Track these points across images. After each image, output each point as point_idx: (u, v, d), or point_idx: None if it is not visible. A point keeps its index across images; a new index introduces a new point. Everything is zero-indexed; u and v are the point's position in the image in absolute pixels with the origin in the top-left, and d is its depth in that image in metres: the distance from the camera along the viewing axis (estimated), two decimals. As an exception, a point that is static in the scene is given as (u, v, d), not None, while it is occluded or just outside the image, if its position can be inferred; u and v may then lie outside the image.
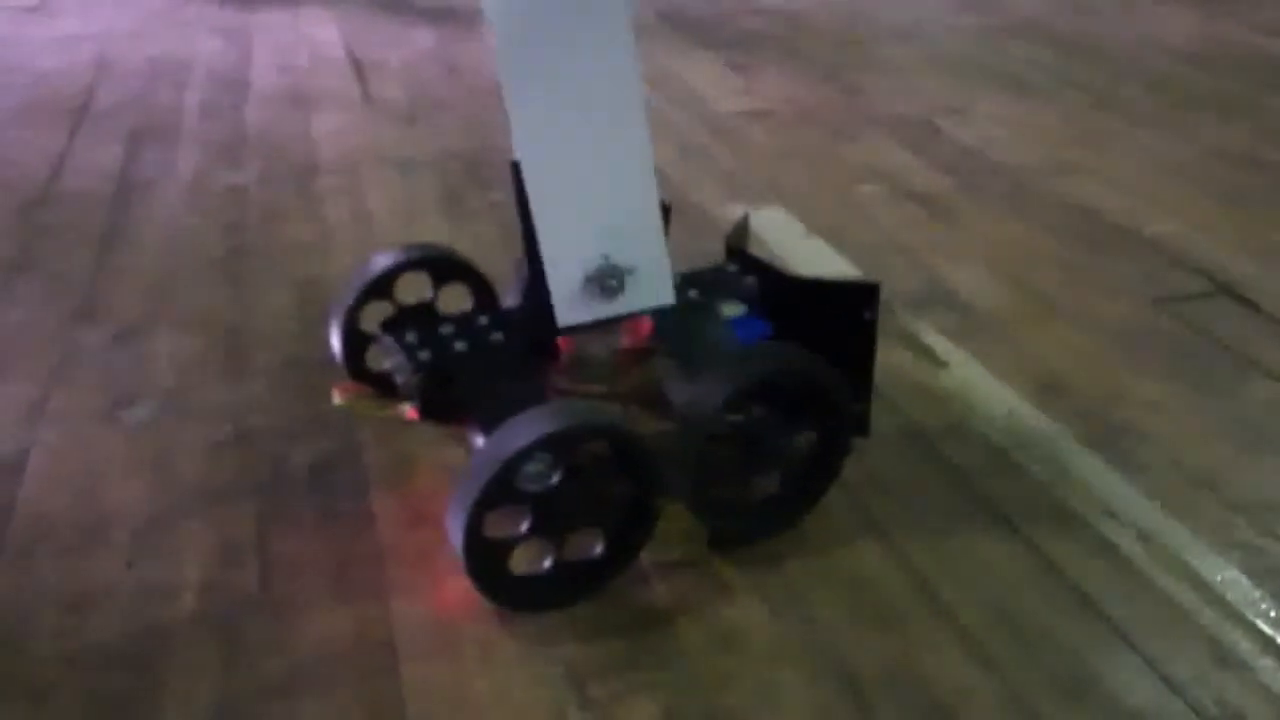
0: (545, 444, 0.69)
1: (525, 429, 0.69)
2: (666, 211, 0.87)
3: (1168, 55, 1.95)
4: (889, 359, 1.02)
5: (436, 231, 1.29)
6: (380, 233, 1.30)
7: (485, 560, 0.71)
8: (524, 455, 0.68)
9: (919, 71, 1.89)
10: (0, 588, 0.77)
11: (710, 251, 0.97)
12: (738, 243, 0.94)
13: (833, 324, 0.84)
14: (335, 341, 0.91)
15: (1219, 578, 0.77)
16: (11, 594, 0.77)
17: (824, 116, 1.68)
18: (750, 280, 0.90)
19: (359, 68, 1.93)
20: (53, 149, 1.57)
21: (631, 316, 0.80)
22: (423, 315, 0.92)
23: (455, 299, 0.93)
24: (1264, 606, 0.75)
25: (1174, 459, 0.89)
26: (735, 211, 1.32)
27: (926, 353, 1.04)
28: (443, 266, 0.93)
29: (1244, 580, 0.77)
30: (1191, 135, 1.58)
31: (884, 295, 0.84)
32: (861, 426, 0.88)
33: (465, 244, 0.85)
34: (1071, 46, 2.02)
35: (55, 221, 1.34)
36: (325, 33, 2.16)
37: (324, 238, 1.29)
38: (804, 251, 1.25)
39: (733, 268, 0.92)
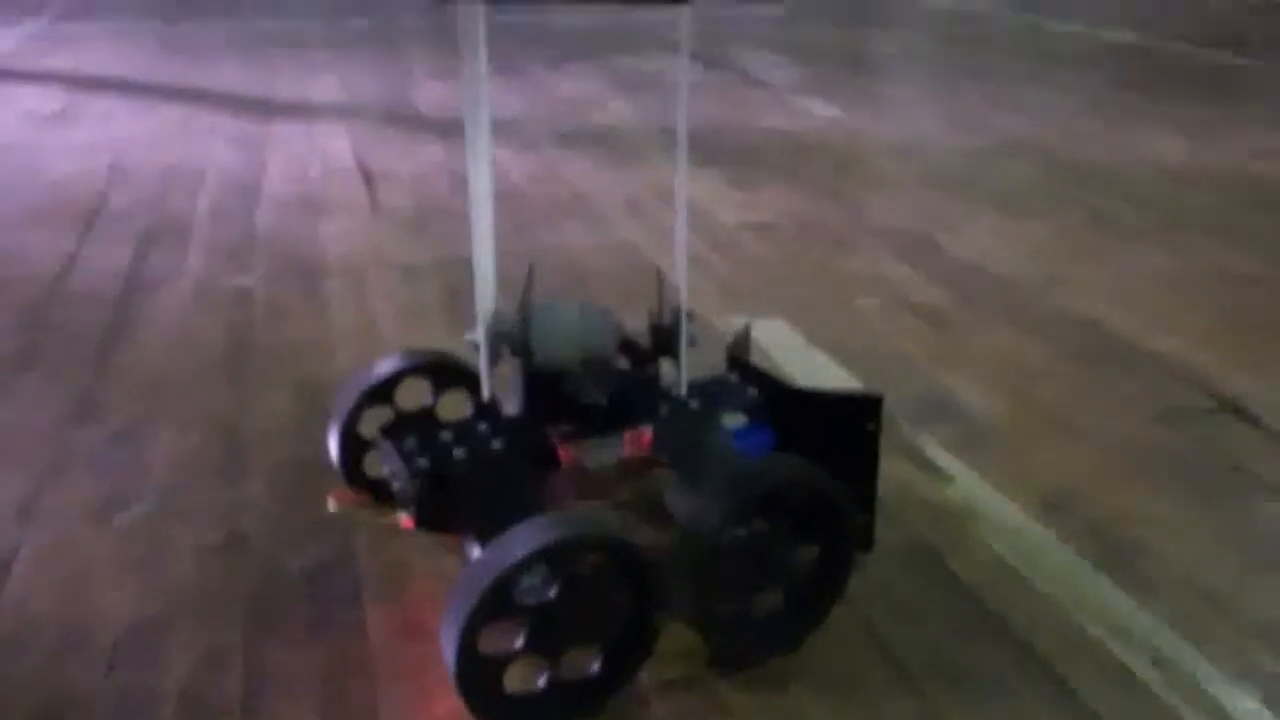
0: (543, 556, 0.67)
1: (523, 540, 0.67)
2: (689, 317, 0.86)
3: (1157, 176, 2.00)
4: (892, 472, 1.01)
5: (439, 337, 1.29)
6: (383, 336, 1.31)
7: (478, 678, 0.69)
8: (521, 567, 0.67)
9: (916, 188, 1.93)
10: (-25, 697, 0.74)
11: (712, 363, 0.98)
12: (739, 353, 0.94)
13: (835, 436, 0.83)
14: (333, 446, 0.90)
15: (1237, 707, 0.74)
16: (-14, 704, 0.74)
17: (823, 230, 1.71)
18: (752, 391, 0.90)
19: (369, 177, 1.98)
20: (63, 249, 1.59)
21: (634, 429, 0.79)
22: (422, 421, 0.91)
23: (456, 406, 0.93)
24: (1286, 737, 0.72)
25: (1185, 578, 0.87)
26: (736, 322, 1.33)
27: (930, 466, 1.03)
28: (444, 372, 0.93)
29: (1265, 711, 0.74)
30: (1185, 252, 1.61)
31: (886, 408, 0.84)
32: (865, 541, 0.87)
33: (467, 350, 0.86)
34: (1063, 167, 2.07)
35: (60, 319, 1.35)
36: (337, 144, 2.21)
37: (327, 339, 1.30)
38: (805, 363, 1.25)
39: (734, 378, 0.92)
